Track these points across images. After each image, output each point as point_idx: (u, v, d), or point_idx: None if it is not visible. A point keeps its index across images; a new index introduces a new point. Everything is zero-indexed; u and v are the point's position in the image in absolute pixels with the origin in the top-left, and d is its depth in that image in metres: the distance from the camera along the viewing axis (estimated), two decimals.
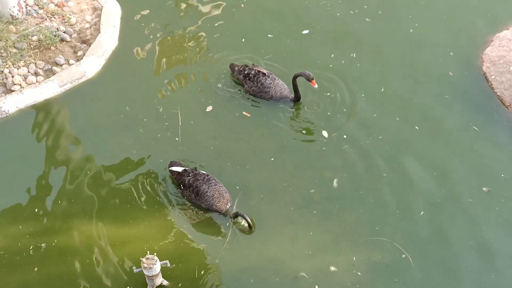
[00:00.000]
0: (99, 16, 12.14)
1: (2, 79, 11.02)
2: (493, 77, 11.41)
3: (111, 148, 10.56)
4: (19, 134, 10.63)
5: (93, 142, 10.60)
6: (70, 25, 11.96)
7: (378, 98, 11.31)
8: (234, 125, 10.80)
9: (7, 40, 11.35)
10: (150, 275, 8.45)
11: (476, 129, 10.79)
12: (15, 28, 11.61)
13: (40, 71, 11.24)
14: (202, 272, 9.08)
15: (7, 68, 11.10)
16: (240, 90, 11.16)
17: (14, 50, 11.31)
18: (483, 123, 10.90)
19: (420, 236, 9.61)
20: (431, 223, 9.79)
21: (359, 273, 9.07)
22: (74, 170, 10.22)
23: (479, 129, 10.83)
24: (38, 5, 12.15)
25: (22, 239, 9.35)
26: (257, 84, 10.98)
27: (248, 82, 11.16)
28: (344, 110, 11.07)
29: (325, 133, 10.77)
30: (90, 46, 11.67)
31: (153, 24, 12.21)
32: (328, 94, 11.29)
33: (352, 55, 11.98)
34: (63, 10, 12.03)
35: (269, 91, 10.92)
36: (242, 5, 12.65)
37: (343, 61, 11.91)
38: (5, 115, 10.70)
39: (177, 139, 10.43)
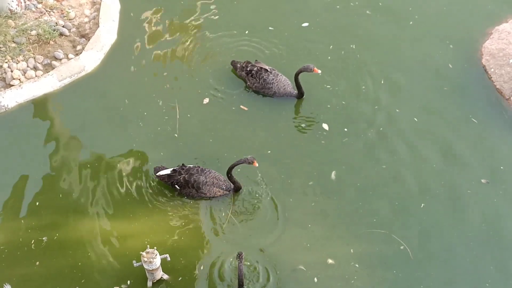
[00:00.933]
0: (98, 10, 12.16)
1: (1, 74, 11.11)
2: (492, 70, 11.50)
3: (110, 142, 10.65)
4: (19, 128, 10.69)
5: (93, 136, 10.68)
6: (69, 19, 12.00)
7: (378, 90, 11.37)
8: (231, 118, 10.86)
9: (6, 35, 11.41)
10: (150, 269, 8.56)
11: (475, 121, 10.96)
12: (14, 22, 11.65)
13: (39, 66, 11.31)
14: (202, 266, 9.19)
15: (6, 62, 11.18)
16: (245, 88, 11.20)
17: (13, 45, 11.37)
18: (482, 116, 11.05)
19: (419, 228, 9.83)
20: (429, 214, 9.98)
21: (357, 265, 9.25)
22: (73, 164, 10.33)
23: (478, 121, 10.99)
24: (37, 0, 12.03)
25: (23, 234, 9.44)
26: (259, 80, 11.05)
27: (251, 78, 11.22)
28: (343, 102, 11.08)
29: (325, 126, 10.84)
30: (89, 40, 11.71)
31: (152, 18, 12.21)
32: (328, 87, 11.32)
33: (351, 46, 12.01)
34: (62, 5, 12.07)
35: (272, 87, 10.97)
36: None
37: (342, 52, 11.92)
38: (4, 110, 10.77)
39: (176, 135, 10.47)
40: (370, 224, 9.66)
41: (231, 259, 9.28)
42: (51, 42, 11.56)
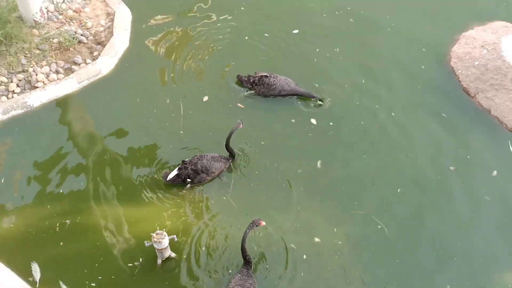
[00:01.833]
0: (112, 20, 12.19)
1: (27, 77, 11.07)
2: (460, 71, 11.60)
3: (125, 136, 10.64)
4: (43, 125, 10.70)
5: (109, 131, 10.69)
6: (87, 28, 12.02)
7: (360, 89, 11.55)
8: (229, 114, 10.93)
9: (31, 43, 11.37)
10: (160, 248, 8.68)
11: (444, 116, 11.09)
12: (38, 31, 11.63)
13: (61, 70, 11.30)
14: (204, 247, 9.27)
15: (31, 67, 11.16)
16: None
17: (38, 51, 11.35)
18: (451, 111, 11.17)
19: (395, 209, 9.92)
20: (404, 198, 10.02)
21: (340, 243, 9.35)
22: (92, 157, 10.32)
23: (447, 116, 11.10)
24: (58, 11, 12.14)
25: (49, 218, 9.49)
26: (264, 85, 11.08)
27: (256, 87, 11.25)
28: (329, 99, 11.20)
29: (313, 121, 10.91)
30: (104, 47, 11.71)
31: (160, 27, 12.27)
32: (316, 85, 11.42)
33: (335, 49, 12.12)
34: (80, 16, 12.09)
35: (275, 87, 11.07)
36: (243, 8, 12.75)
37: (328, 54, 12.03)
38: (30, 109, 10.77)
39: (181, 132, 10.58)
40: (352, 206, 9.78)
41: (231, 240, 9.31)
42: (71, 49, 11.55)
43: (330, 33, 12.41)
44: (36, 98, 10.88)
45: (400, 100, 11.34)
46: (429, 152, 10.59)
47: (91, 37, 11.94)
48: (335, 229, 9.50)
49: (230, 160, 10.14)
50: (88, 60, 11.54)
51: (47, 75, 11.19)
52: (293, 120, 10.92)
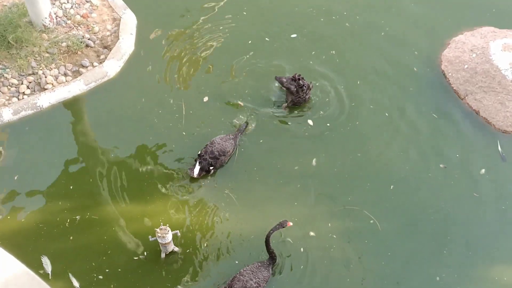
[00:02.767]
0: (118, 25, 12.19)
1: (37, 79, 11.12)
2: (450, 74, 11.64)
3: (130, 135, 10.70)
4: (52, 125, 10.76)
5: (115, 130, 10.77)
6: (94, 33, 12.02)
7: (355, 90, 11.55)
8: (227, 113, 11.06)
9: (40, 46, 11.40)
10: (163, 242, 8.83)
11: (435, 117, 11.11)
12: (47, 36, 11.64)
13: (69, 72, 11.35)
14: (206, 241, 9.42)
15: (41, 70, 11.22)
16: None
17: (47, 55, 11.39)
18: (442, 112, 11.21)
19: (386, 205, 9.98)
20: (396, 194, 10.10)
21: (334, 236, 9.48)
22: (99, 155, 10.38)
23: (438, 116, 11.12)
24: (66, 16, 12.09)
25: (60, 214, 9.61)
26: (303, 96, 10.96)
27: (301, 93, 10.89)
28: (327, 99, 11.31)
29: (310, 122, 11.00)
30: (110, 50, 11.75)
31: (163, 31, 12.32)
32: (314, 83, 11.49)
33: (332, 52, 12.17)
34: (87, 21, 12.10)
35: (306, 97, 11.07)
36: (245, 13, 12.80)
37: (323, 57, 12.08)
38: (39, 109, 10.83)
39: (184, 133, 10.68)
40: (345, 202, 9.87)
41: (232, 234, 9.47)
42: (79, 53, 11.58)
43: (327, 37, 12.43)
44: (46, 99, 10.94)
45: (393, 101, 11.37)
46: (420, 150, 10.65)
47: (98, 41, 11.96)
48: (329, 224, 9.61)
49: (238, 136, 10.30)
50: (95, 63, 11.57)
51: (56, 78, 11.25)
52: (290, 123, 10.96)
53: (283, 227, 8.91)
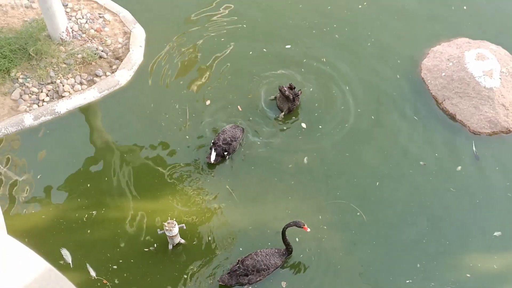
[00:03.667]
0: (128, 38, 12.32)
1: (55, 88, 11.27)
2: (429, 81, 11.82)
3: (141, 137, 10.87)
4: (70, 129, 10.90)
5: (127, 133, 10.94)
6: (106, 45, 12.14)
7: (343, 95, 11.73)
8: (228, 116, 11.27)
9: (58, 58, 11.53)
10: (170, 235, 9.06)
11: (416, 119, 11.33)
12: (64, 48, 11.77)
13: (84, 81, 11.48)
14: (209, 233, 9.66)
15: (59, 79, 11.35)
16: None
17: (64, 65, 11.52)
18: (422, 115, 11.42)
19: (372, 199, 10.22)
20: (380, 188, 10.36)
21: (325, 227, 9.74)
22: (113, 156, 10.57)
23: (419, 119, 11.35)
24: (81, 30, 12.24)
25: (78, 210, 9.82)
26: (296, 103, 11.17)
27: (296, 100, 11.09)
28: (316, 105, 11.51)
29: (303, 125, 11.20)
30: (122, 61, 11.86)
31: (170, 44, 12.39)
32: (306, 89, 11.72)
33: (322, 59, 12.33)
34: (100, 34, 12.29)
35: (297, 103, 11.27)
36: (245, 26, 12.90)
37: (314, 64, 12.26)
38: (58, 115, 10.98)
39: (187, 136, 10.87)
40: (334, 196, 10.12)
41: (232, 226, 9.72)
42: (93, 63, 11.71)
43: (318, 47, 12.56)
44: (63, 106, 11.09)
45: (378, 104, 11.57)
46: (402, 149, 10.89)
47: (110, 53, 12.06)
48: (320, 216, 9.87)
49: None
50: (108, 73, 11.69)
51: (72, 86, 11.40)
52: (285, 127, 11.14)
53: (299, 227, 9.08)
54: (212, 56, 12.33)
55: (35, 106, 11.06)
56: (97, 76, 11.64)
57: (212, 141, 10.49)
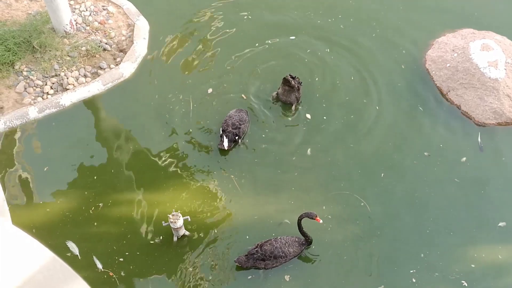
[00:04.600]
0: (132, 30, 12.42)
1: (60, 81, 11.38)
2: (433, 72, 11.89)
3: (145, 129, 11.03)
4: (74, 121, 11.05)
5: (131, 125, 11.08)
6: (110, 38, 12.27)
7: (349, 85, 11.83)
8: (232, 104, 11.43)
9: (62, 51, 11.64)
10: (175, 227, 9.16)
11: (421, 109, 11.43)
12: (68, 41, 11.88)
13: (88, 74, 11.62)
14: (214, 225, 9.76)
15: (63, 72, 11.48)
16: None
17: (68, 58, 11.63)
18: (427, 106, 11.48)
19: (376, 189, 10.31)
20: (384, 179, 10.45)
21: (329, 217, 9.80)
22: (118, 148, 10.71)
23: (424, 109, 11.43)
24: (85, 23, 12.37)
25: (85, 202, 9.93)
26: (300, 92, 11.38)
27: (300, 90, 11.29)
28: (321, 95, 11.59)
29: (308, 115, 11.32)
30: (126, 54, 11.96)
31: (173, 36, 12.53)
32: (310, 80, 11.83)
33: (326, 50, 12.46)
34: (104, 27, 12.43)
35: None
36: (250, 17, 13.03)
37: (319, 53, 12.38)
38: (62, 108, 11.12)
39: (190, 129, 11.01)
40: (338, 188, 10.19)
41: (236, 218, 9.85)
42: (97, 56, 11.84)
43: (323, 37, 12.66)
44: (68, 99, 11.22)
45: (383, 95, 11.64)
46: (407, 140, 10.99)
47: (114, 45, 12.19)
48: (323, 207, 9.96)
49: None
50: (112, 65, 11.81)
51: (77, 79, 11.51)
52: (290, 118, 11.29)
53: (311, 219, 9.12)
54: (216, 47, 12.45)
55: (39, 99, 11.19)
56: (101, 68, 11.76)
57: (221, 128, 10.64)
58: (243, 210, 9.96)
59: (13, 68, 11.44)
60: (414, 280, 9.25)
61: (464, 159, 10.74)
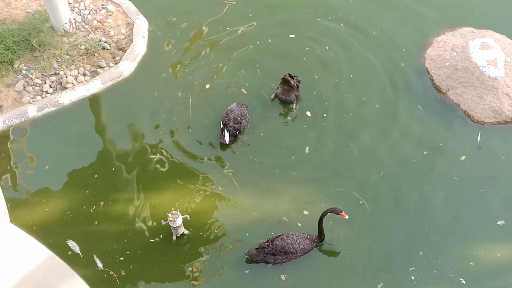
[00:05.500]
0: (131, 29, 12.46)
1: (59, 79, 11.43)
2: (433, 71, 12.04)
3: (144, 128, 11.09)
4: (74, 120, 11.11)
5: (130, 124, 11.14)
6: (110, 36, 12.32)
7: (348, 83, 11.97)
8: (231, 99, 11.55)
9: (61, 49, 11.69)
10: (174, 226, 9.23)
11: (420, 108, 11.54)
12: (67, 39, 11.92)
13: (87, 72, 11.66)
14: (213, 223, 9.86)
15: (62, 70, 11.53)
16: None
17: (67, 57, 11.67)
18: (426, 104, 11.61)
19: (374, 187, 10.41)
20: (383, 177, 10.55)
21: (328, 214, 9.62)
22: (118, 147, 10.77)
23: (423, 108, 11.54)
24: (84, 21, 12.41)
25: (85, 201, 10.01)
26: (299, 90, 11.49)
27: (299, 88, 11.42)
28: (320, 93, 11.70)
29: (308, 113, 11.42)
30: (125, 52, 12.02)
31: (172, 35, 12.59)
32: (308, 79, 11.89)
33: (326, 48, 12.54)
34: (104, 25, 12.48)
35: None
36: (250, 15, 13.09)
37: (318, 51, 12.46)
38: (61, 106, 11.17)
39: (189, 127, 11.09)
40: (337, 185, 10.31)
41: (235, 216, 9.95)
42: (96, 54, 11.91)
43: (323, 35, 12.76)
44: (67, 97, 11.28)
45: (383, 93, 11.77)
46: (406, 138, 11.08)
47: (113, 44, 12.23)
48: (322, 204, 10.01)
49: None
50: (111, 64, 11.88)
51: (76, 77, 11.56)
52: (289, 117, 11.39)
53: (336, 214, 9.21)
54: (215, 45, 12.53)
55: (38, 97, 11.26)
56: (100, 67, 11.82)
57: (223, 122, 10.74)
58: (241, 208, 10.06)
59: (12, 66, 11.48)
60: (413, 278, 9.35)
61: (463, 157, 10.83)
